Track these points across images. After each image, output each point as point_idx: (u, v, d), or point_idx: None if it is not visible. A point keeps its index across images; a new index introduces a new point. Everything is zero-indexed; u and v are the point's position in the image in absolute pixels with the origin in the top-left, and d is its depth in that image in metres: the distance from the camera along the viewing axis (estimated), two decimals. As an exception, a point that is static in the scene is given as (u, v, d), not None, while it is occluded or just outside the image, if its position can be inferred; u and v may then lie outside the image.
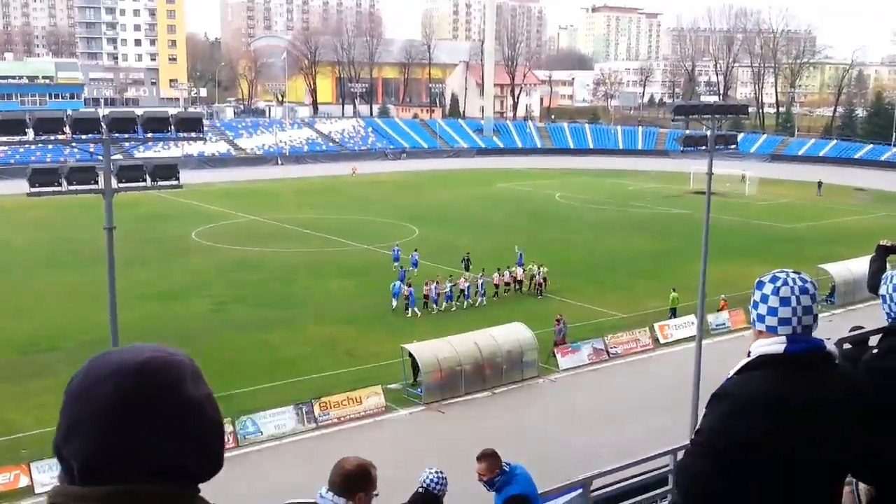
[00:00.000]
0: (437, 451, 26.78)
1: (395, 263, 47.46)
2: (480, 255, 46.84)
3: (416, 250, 48.68)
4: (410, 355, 31.30)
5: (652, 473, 9.05)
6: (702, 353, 27.18)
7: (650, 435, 24.78)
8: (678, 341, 36.91)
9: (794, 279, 2.81)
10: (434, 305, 40.40)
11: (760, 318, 2.83)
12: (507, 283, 43.62)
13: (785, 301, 2.77)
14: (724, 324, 38.85)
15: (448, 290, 41.02)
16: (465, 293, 41.32)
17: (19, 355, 34.21)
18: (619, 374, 34.02)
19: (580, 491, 8.86)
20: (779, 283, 2.80)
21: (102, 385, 1.71)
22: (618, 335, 36.41)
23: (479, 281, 42.00)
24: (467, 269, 44.94)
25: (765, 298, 2.82)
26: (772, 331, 2.80)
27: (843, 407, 2.74)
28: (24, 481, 23.78)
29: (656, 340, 37.09)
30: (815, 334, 2.90)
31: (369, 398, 29.30)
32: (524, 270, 44.44)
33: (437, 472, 8.33)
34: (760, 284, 2.85)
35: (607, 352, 35.37)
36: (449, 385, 30.98)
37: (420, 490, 8.27)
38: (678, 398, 27.75)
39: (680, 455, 8.58)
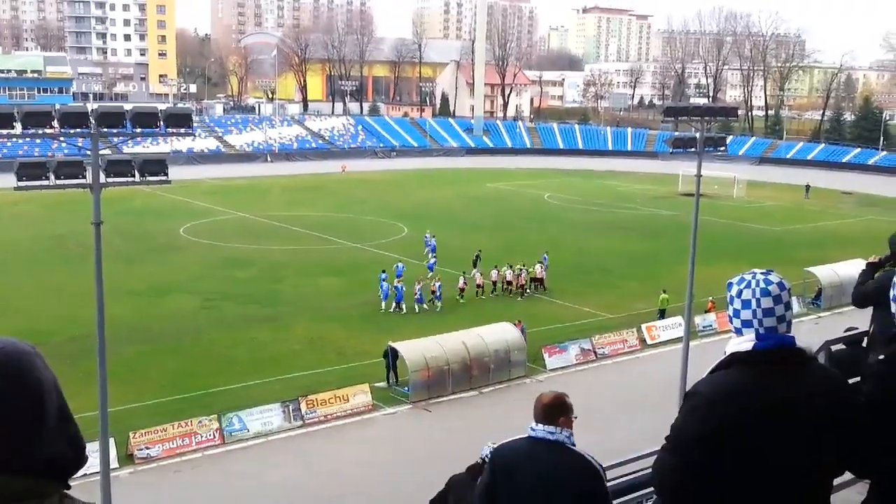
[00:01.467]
0: (424, 449, 26.81)
1: (427, 249, 50.12)
2: (469, 254, 46.78)
3: (433, 236, 50.92)
4: (385, 355, 31.23)
5: (639, 473, 9.06)
6: (689, 355, 27.26)
7: (637, 435, 24.82)
8: (665, 342, 37.02)
9: (757, 281, 2.88)
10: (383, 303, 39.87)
11: (730, 319, 2.95)
12: (509, 282, 43.46)
13: (746, 304, 2.87)
14: (711, 325, 38.96)
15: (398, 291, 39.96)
16: (419, 297, 39.99)
17: (4, 350, 33.97)
18: (606, 374, 34.08)
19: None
20: (742, 286, 2.89)
21: None
22: (605, 336, 36.48)
23: (436, 284, 40.81)
24: (475, 266, 44.67)
25: (731, 300, 2.93)
26: (738, 332, 2.90)
27: (816, 404, 2.76)
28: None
29: (643, 341, 37.18)
30: (801, 336, 2.92)
31: (356, 396, 29.28)
32: (525, 270, 43.98)
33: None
34: (729, 286, 2.95)
35: (595, 352, 35.43)
36: (436, 384, 30.98)
37: (479, 461, 8.28)
38: (665, 399, 27.77)
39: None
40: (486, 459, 8.14)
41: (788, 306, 2.89)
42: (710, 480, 2.74)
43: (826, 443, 2.78)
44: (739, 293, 2.89)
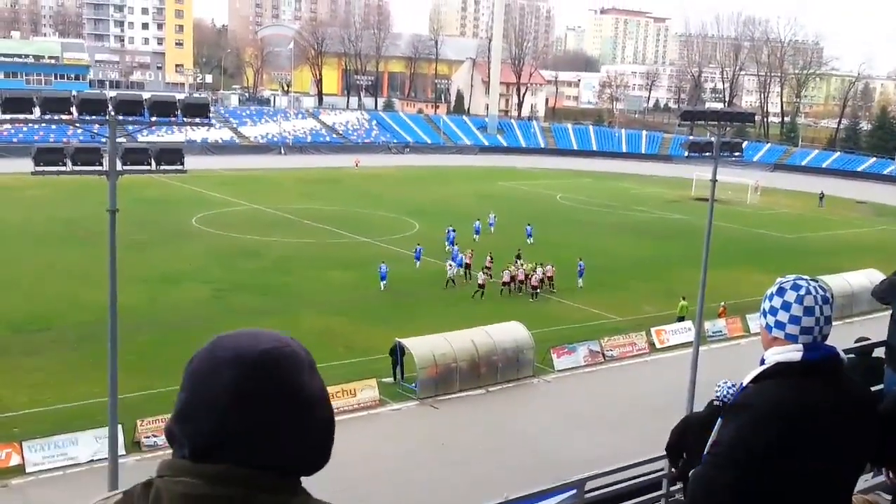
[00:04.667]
0: (431, 446, 26.86)
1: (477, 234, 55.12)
2: (478, 252, 46.80)
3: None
4: (392, 353, 31.31)
5: (646, 477, 9.07)
6: (698, 360, 27.20)
7: (644, 439, 24.74)
8: (674, 347, 36.95)
9: (815, 287, 2.76)
10: None
11: (780, 326, 2.76)
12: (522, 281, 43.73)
13: (809, 311, 2.72)
14: (720, 331, 38.89)
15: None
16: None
17: (13, 333, 34.20)
18: (614, 376, 34.03)
19: (574, 492, 8.88)
20: (802, 292, 2.73)
21: (221, 372, 1.72)
22: (614, 338, 36.41)
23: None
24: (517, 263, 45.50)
25: (787, 306, 2.74)
26: (791, 339, 2.74)
27: (848, 413, 2.74)
28: (15, 459, 23.76)
29: (652, 345, 37.10)
30: None
31: (363, 391, 29.31)
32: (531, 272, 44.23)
33: (733, 385, 8.01)
34: (782, 291, 2.77)
35: (603, 354, 35.38)
36: (444, 381, 30.99)
37: (716, 404, 8.02)
38: (673, 403, 27.74)
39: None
40: (722, 401, 7.71)
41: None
42: (763, 496, 2.68)
43: (855, 451, 2.79)
44: (800, 299, 2.72)
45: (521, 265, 44.59)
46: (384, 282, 42.72)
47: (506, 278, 43.38)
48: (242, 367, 1.72)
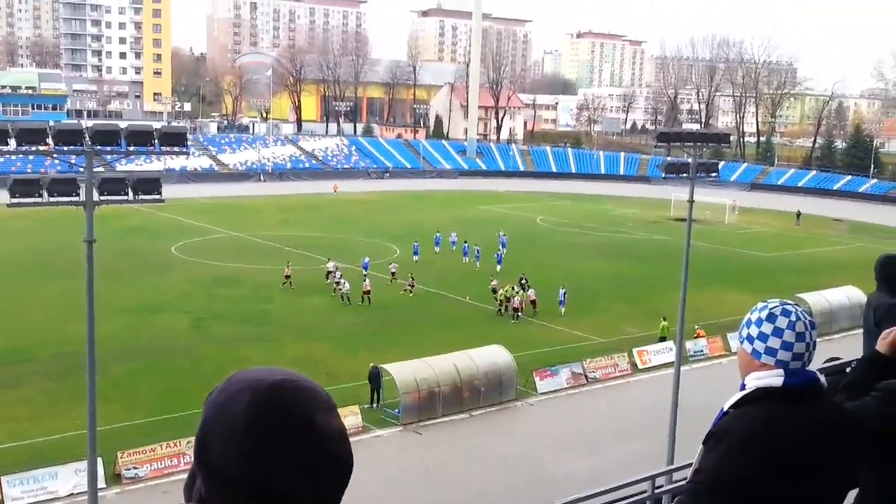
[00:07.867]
0: (415, 472, 26.70)
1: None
2: (457, 275, 46.89)
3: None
4: (370, 379, 31.18)
5: (630, 500, 9.05)
6: (680, 380, 27.23)
7: (628, 460, 24.76)
8: (656, 367, 37.01)
9: (802, 313, 2.76)
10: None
11: (771, 352, 2.74)
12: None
13: (801, 336, 2.72)
14: (702, 351, 38.98)
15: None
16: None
17: (-7, 367, 33.80)
18: (597, 398, 34.02)
19: (558, 515, 8.85)
20: (793, 318, 2.73)
21: (235, 401, 1.74)
22: (596, 360, 36.44)
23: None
24: (524, 289, 45.37)
25: (779, 332, 2.73)
26: (781, 365, 2.72)
27: (833, 437, 2.73)
28: (-6, 495, 23.44)
29: (634, 366, 37.15)
30: None
31: (347, 418, 29.07)
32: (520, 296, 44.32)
33: None
34: (772, 318, 2.75)
35: (585, 376, 35.39)
36: (426, 406, 30.88)
37: None
38: (656, 424, 27.78)
39: (659, 481, 8.60)
40: None
41: None
42: None
43: (838, 477, 2.77)
44: (792, 325, 2.72)
45: (526, 288, 44.64)
46: (366, 271, 48.39)
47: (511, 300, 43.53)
48: (254, 396, 1.75)
